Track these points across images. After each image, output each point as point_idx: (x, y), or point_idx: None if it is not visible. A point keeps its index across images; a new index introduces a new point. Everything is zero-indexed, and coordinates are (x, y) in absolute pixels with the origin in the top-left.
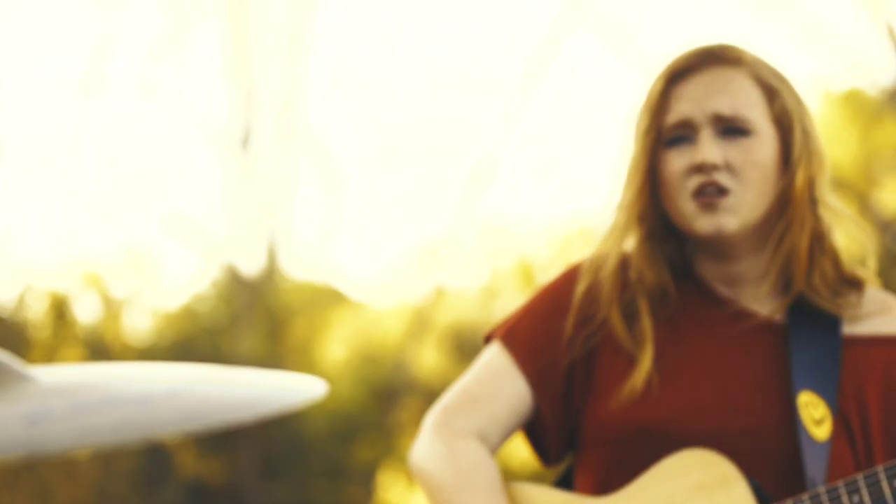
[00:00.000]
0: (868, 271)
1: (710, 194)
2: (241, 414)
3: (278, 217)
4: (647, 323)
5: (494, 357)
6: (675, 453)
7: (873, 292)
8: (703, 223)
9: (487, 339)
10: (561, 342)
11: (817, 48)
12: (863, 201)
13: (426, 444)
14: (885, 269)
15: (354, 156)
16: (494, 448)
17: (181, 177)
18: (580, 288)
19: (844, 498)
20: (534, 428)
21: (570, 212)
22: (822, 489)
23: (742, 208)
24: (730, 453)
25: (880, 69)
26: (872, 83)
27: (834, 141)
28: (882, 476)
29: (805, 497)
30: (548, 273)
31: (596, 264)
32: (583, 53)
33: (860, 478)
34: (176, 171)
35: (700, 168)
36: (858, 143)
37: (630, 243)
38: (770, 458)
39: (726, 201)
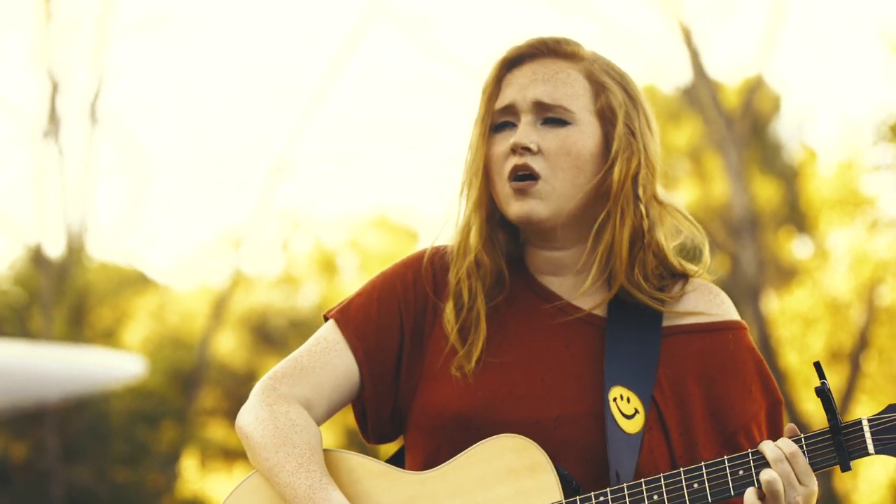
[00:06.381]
0: (701, 264)
1: (523, 178)
2: (56, 390)
3: (84, 201)
4: (481, 306)
5: (327, 332)
6: (492, 437)
7: (697, 283)
8: (515, 207)
9: (326, 318)
10: (393, 326)
11: (613, 46)
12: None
13: (251, 408)
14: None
15: (160, 145)
16: (319, 419)
17: None
18: (416, 276)
19: (644, 495)
20: (364, 405)
21: (367, 202)
22: (625, 485)
23: (552, 196)
24: (542, 442)
25: (676, 69)
26: (668, 82)
27: None
28: (682, 477)
29: (607, 491)
30: (344, 261)
31: (433, 254)
32: (382, 49)
33: (662, 477)
34: None
35: (514, 150)
36: None
37: (470, 234)
38: (579, 448)
39: (536, 188)
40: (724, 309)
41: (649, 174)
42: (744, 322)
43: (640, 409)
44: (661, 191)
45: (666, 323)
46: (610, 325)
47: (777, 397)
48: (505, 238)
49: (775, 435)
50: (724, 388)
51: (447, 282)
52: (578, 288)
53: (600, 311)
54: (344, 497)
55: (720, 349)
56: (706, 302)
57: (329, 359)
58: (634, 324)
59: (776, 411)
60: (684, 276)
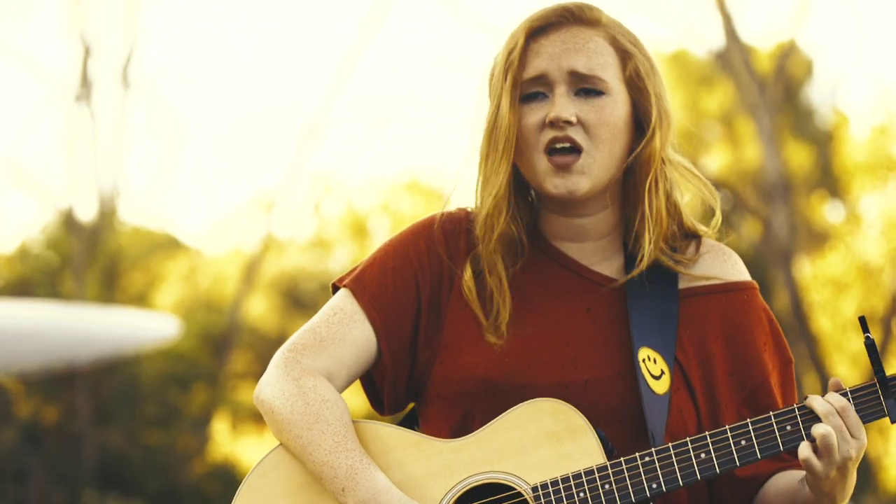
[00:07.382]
0: (712, 226)
1: (564, 152)
2: (89, 352)
3: (116, 165)
4: (503, 273)
5: (343, 303)
6: (527, 401)
7: (709, 244)
8: (557, 183)
9: (335, 288)
10: (409, 296)
11: (646, 10)
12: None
13: (274, 381)
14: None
15: (191, 109)
16: (338, 391)
17: (19, 125)
18: (428, 244)
19: (691, 454)
20: (372, 376)
21: (398, 165)
22: (670, 445)
23: (593, 169)
24: (574, 405)
25: (708, 33)
26: (701, 46)
27: None
28: (728, 434)
29: (652, 451)
30: (375, 224)
31: (442, 220)
32: (414, 12)
33: (708, 435)
34: (13, 120)
35: (554, 123)
36: (686, 106)
37: (496, 204)
38: (612, 410)
39: (578, 163)
40: (737, 270)
41: (672, 138)
42: (755, 283)
43: (666, 369)
44: (670, 150)
45: (682, 285)
46: (630, 288)
47: (788, 356)
48: (522, 205)
49: (789, 393)
50: (740, 348)
51: (459, 248)
52: (598, 254)
53: (618, 276)
54: (385, 477)
55: (735, 309)
56: (720, 264)
57: (347, 329)
58: (653, 287)
59: (787, 370)
60: (696, 237)
